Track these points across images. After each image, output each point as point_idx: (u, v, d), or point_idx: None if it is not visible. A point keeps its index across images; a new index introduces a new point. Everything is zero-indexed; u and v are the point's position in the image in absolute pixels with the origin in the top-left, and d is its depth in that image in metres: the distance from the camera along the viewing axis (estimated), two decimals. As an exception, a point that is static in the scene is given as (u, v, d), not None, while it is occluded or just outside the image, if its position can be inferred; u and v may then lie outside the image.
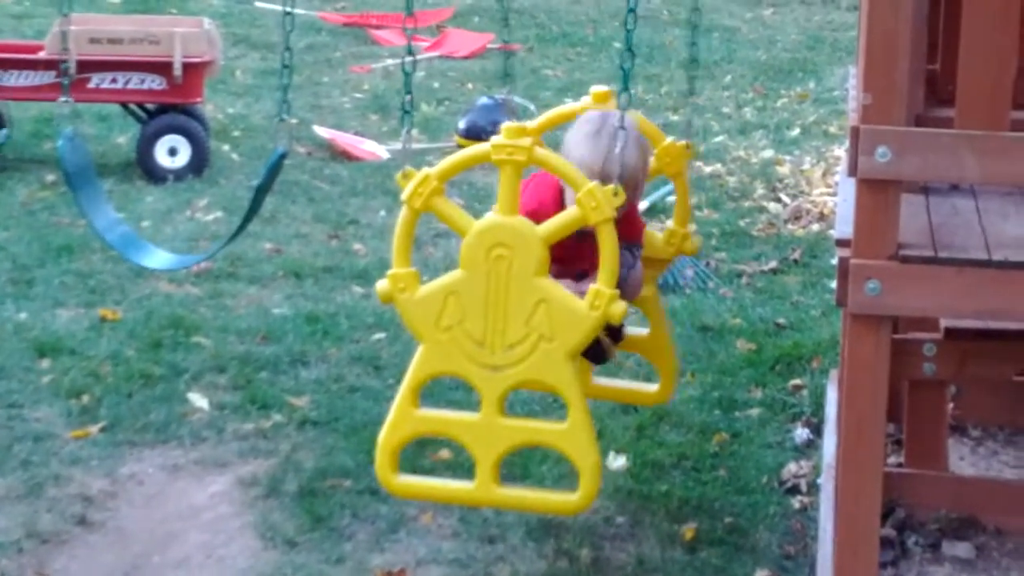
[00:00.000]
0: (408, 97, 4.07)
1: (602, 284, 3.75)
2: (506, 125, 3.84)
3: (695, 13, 4.31)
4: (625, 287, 4.01)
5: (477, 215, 3.93)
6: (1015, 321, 3.81)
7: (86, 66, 7.89)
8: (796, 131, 9.65)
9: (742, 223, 7.60)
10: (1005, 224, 3.56)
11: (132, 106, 8.45)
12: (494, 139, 3.83)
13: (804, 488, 4.76)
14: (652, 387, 4.78)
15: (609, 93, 4.39)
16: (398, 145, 8.86)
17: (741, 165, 8.76)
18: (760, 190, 8.25)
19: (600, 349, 4.14)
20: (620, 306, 3.76)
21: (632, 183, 4.00)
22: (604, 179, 3.84)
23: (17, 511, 4.52)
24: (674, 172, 4.55)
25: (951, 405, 4.82)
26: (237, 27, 12.55)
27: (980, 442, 4.95)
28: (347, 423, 5.15)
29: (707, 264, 6.92)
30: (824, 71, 11.63)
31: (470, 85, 10.71)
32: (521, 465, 4.69)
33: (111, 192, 7.55)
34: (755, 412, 5.34)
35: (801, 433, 5.16)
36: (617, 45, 12.32)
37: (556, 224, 3.79)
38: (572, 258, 4.03)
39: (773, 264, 6.99)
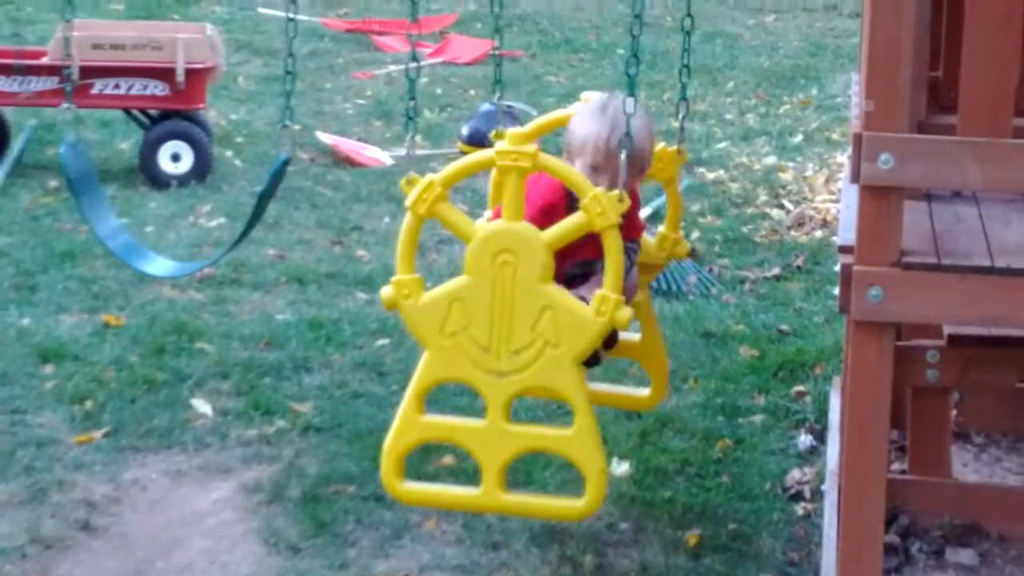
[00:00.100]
0: (412, 103, 4.08)
1: (608, 289, 3.75)
2: (511, 131, 3.84)
3: (687, 19, 4.33)
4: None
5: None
6: (1018, 328, 3.81)
7: (89, 72, 7.90)
8: (799, 138, 9.66)
9: (745, 229, 7.60)
10: (1008, 231, 3.56)
11: (135, 112, 8.46)
12: (498, 145, 3.83)
13: (808, 495, 4.76)
14: (644, 391, 4.77)
15: None
16: (401, 151, 8.87)
17: (744, 171, 8.77)
18: (763, 196, 8.25)
19: (594, 353, 4.14)
20: (626, 312, 3.76)
21: (639, 158, 4.00)
22: (612, 152, 3.85)
23: (21, 517, 4.52)
24: (666, 178, 4.54)
25: (954, 412, 4.83)
26: (240, 33, 12.57)
27: (983, 449, 4.95)
28: (351, 429, 5.15)
29: (710, 270, 6.93)
30: (826, 78, 11.64)
31: (473, 91, 10.72)
32: (524, 471, 4.69)
33: (114, 198, 7.56)
34: (758, 419, 5.34)
35: (804, 440, 5.16)
36: (620, 51, 12.34)
37: (561, 230, 3.79)
38: (571, 250, 4.02)
39: (776, 270, 6.99)
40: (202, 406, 5.32)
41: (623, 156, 3.81)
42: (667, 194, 4.66)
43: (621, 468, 4.87)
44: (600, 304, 3.74)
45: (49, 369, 5.58)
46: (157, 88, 8.09)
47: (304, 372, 5.65)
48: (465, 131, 8.85)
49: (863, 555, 3.44)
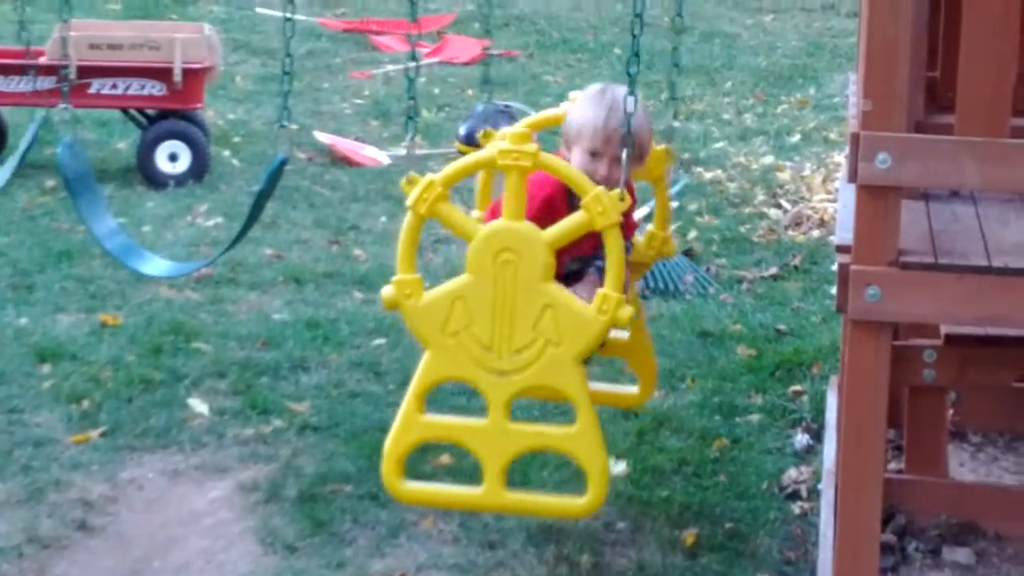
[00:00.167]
0: (412, 102, 4.08)
1: (609, 288, 3.76)
2: (512, 131, 3.84)
3: (678, 19, 4.33)
4: None
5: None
6: (1015, 328, 3.81)
7: (86, 72, 7.91)
8: (796, 137, 9.67)
9: (742, 229, 7.61)
10: (1005, 231, 3.56)
11: (132, 112, 8.46)
12: (499, 144, 3.83)
13: (804, 494, 4.76)
14: (633, 389, 4.78)
15: None
16: (398, 151, 8.88)
17: (741, 171, 8.77)
18: (760, 196, 8.26)
19: None
20: (628, 310, 3.77)
21: (638, 146, 4.00)
22: (610, 135, 3.85)
23: (18, 516, 4.52)
24: (655, 176, 4.55)
25: (951, 411, 4.83)
26: (237, 33, 12.57)
27: (980, 448, 4.95)
28: (347, 428, 5.15)
29: (707, 270, 6.93)
30: (824, 77, 11.64)
31: (470, 91, 10.71)
32: (520, 471, 4.68)
33: (112, 198, 7.57)
34: (755, 418, 5.35)
35: (801, 439, 5.16)
36: (617, 51, 12.34)
37: (562, 229, 3.80)
38: (568, 246, 4.01)
39: (773, 270, 6.99)
40: (199, 406, 5.31)
41: (624, 155, 3.81)
42: (656, 193, 4.67)
43: (618, 467, 4.87)
44: (602, 303, 3.75)
45: (46, 369, 5.58)
46: (154, 88, 8.09)
47: (301, 371, 5.65)
48: (462, 131, 8.79)
49: (860, 554, 3.44)
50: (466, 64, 11.70)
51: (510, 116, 5.33)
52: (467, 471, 4.62)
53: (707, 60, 12.07)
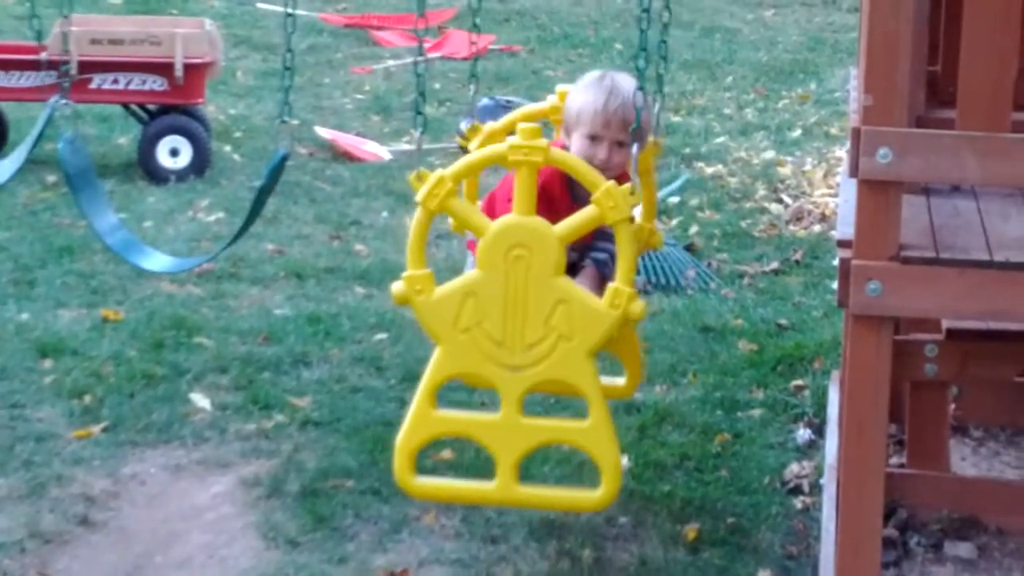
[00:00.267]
0: (419, 97, 4.08)
1: (621, 283, 3.76)
2: (521, 126, 3.83)
3: (666, 12, 4.32)
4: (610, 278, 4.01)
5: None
6: (1016, 322, 3.81)
7: (87, 67, 7.90)
8: (797, 132, 9.66)
9: (744, 224, 7.61)
10: (1006, 225, 3.56)
11: (133, 107, 8.46)
12: (510, 139, 3.83)
13: (806, 488, 4.76)
14: (619, 381, 4.77)
15: None
16: (399, 146, 8.88)
17: (743, 166, 8.77)
18: (762, 191, 8.26)
19: None
20: (640, 304, 3.77)
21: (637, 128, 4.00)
22: (610, 118, 3.86)
23: (19, 511, 4.52)
24: (643, 169, 4.54)
25: (952, 406, 4.83)
26: (238, 28, 12.57)
27: (982, 443, 4.95)
28: (349, 423, 5.15)
29: (709, 265, 6.93)
30: (825, 72, 11.64)
31: (471, 86, 10.69)
32: (522, 466, 4.68)
33: (113, 193, 7.57)
34: (757, 413, 5.35)
35: (803, 434, 5.16)
36: (618, 46, 12.34)
37: (574, 223, 3.80)
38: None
39: (775, 265, 6.99)
40: (201, 400, 5.32)
41: (635, 150, 3.83)
42: (643, 185, 4.66)
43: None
44: (614, 297, 3.75)
45: (48, 364, 5.58)
46: (156, 83, 8.09)
47: (303, 366, 5.65)
48: (464, 126, 8.84)
49: (862, 549, 3.44)
50: (467, 59, 11.67)
51: (510, 111, 5.33)
52: (467, 465, 4.64)
53: (708, 55, 12.06)
